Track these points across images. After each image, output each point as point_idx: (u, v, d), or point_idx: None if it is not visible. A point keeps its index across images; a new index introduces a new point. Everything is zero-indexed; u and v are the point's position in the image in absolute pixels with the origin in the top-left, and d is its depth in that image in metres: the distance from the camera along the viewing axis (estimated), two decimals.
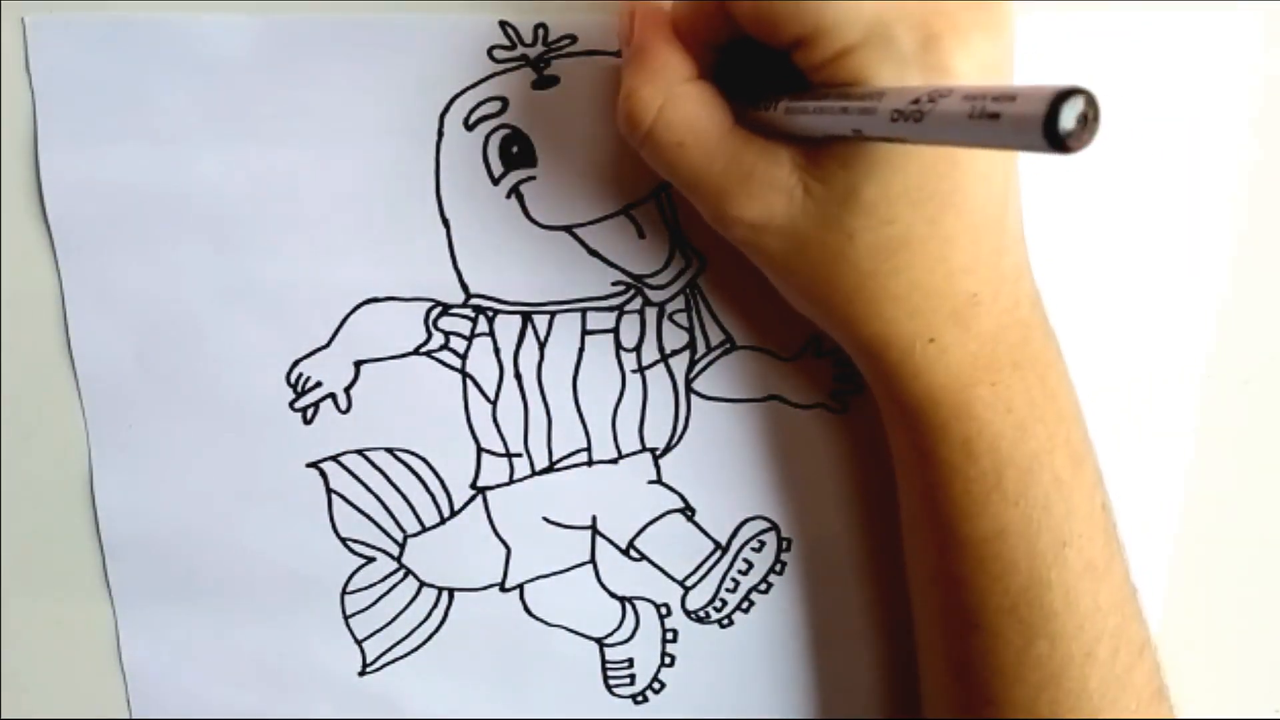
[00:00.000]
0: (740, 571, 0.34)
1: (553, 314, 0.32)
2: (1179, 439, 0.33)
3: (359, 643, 0.36)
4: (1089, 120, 0.16)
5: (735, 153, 0.25)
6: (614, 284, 0.31)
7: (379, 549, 0.35)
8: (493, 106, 0.30)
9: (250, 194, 0.30)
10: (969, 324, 0.26)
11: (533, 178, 0.30)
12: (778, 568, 0.34)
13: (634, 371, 0.32)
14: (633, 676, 0.36)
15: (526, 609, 0.35)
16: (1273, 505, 0.35)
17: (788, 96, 0.24)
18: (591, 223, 0.31)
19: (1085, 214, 0.31)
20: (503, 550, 0.34)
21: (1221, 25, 0.29)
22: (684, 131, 0.25)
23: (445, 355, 0.32)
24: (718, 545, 0.34)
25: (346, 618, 0.35)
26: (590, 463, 0.33)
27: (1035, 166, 0.30)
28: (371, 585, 0.35)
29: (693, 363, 0.32)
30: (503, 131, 0.30)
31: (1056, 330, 0.31)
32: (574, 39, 0.29)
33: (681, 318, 0.32)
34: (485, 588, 0.35)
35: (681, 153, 0.25)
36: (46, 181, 0.30)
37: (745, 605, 0.35)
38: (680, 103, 0.25)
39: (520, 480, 0.34)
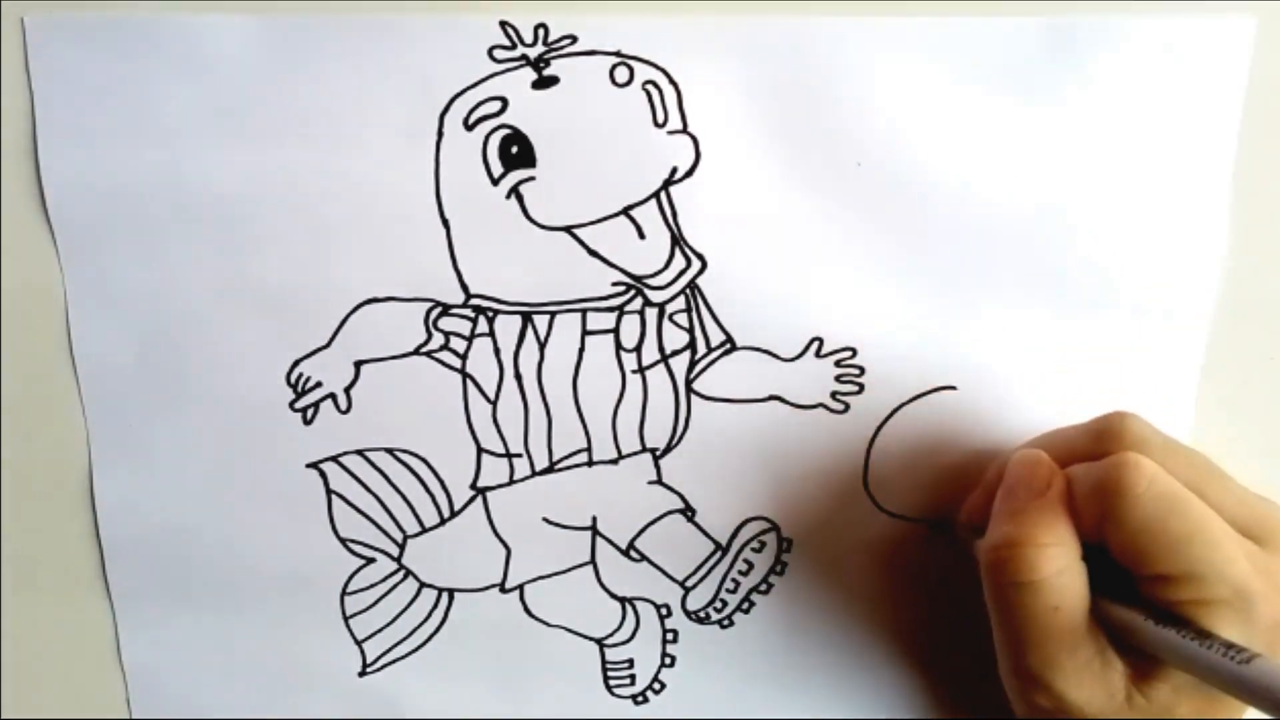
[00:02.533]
0: (740, 572, 0.34)
1: (553, 314, 0.32)
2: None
3: (359, 643, 0.36)
4: None
5: (1086, 638, 0.26)
6: (614, 284, 0.31)
7: (379, 549, 0.35)
8: (493, 106, 0.30)
9: (250, 194, 0.30)
10: None
11: (533, 178, 0.30)
12: (778, 568, 0.34)
13: (634, 372, 0.32)
14: (633, 677, 0.36)
15: (526, 609, 0.35)
16: None
17: (1151, 614, 0.25)
18: (591, 223, 0.31)
19: (1085, 214, 0.31)
20: (503, 551, 0.34)
21: (1217, 30, 0.29)
22: (1067, 599, 0.26)
23: (445, 355, 0.32)
24: (718, 545, 0.34)
25: (346, 618, 0.35)
26: (590, 463, 0.33)
27: (1035, 167, 0.30)
28: (371, 586, 0.35)
29: (693, 363, 0.32)
30: (503, 131, 0.30)
31: (1053, 341, 0.31)
32: (574, 39, 0.29)
33: (681, 318, 0.32)
34: (485, 588, 0.35)
35: (1053, 617, 0.26)
36: (47, 181, 0.30)
37: (745, 606, 0.35)
38: (1074, 576, 0.26)
39: (520, 481, 0.34)
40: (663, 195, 0.30)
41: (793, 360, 0.32)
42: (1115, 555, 0.26)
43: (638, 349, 0.32)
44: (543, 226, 0.31)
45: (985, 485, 0.31)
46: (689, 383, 0.32)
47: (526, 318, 0.32)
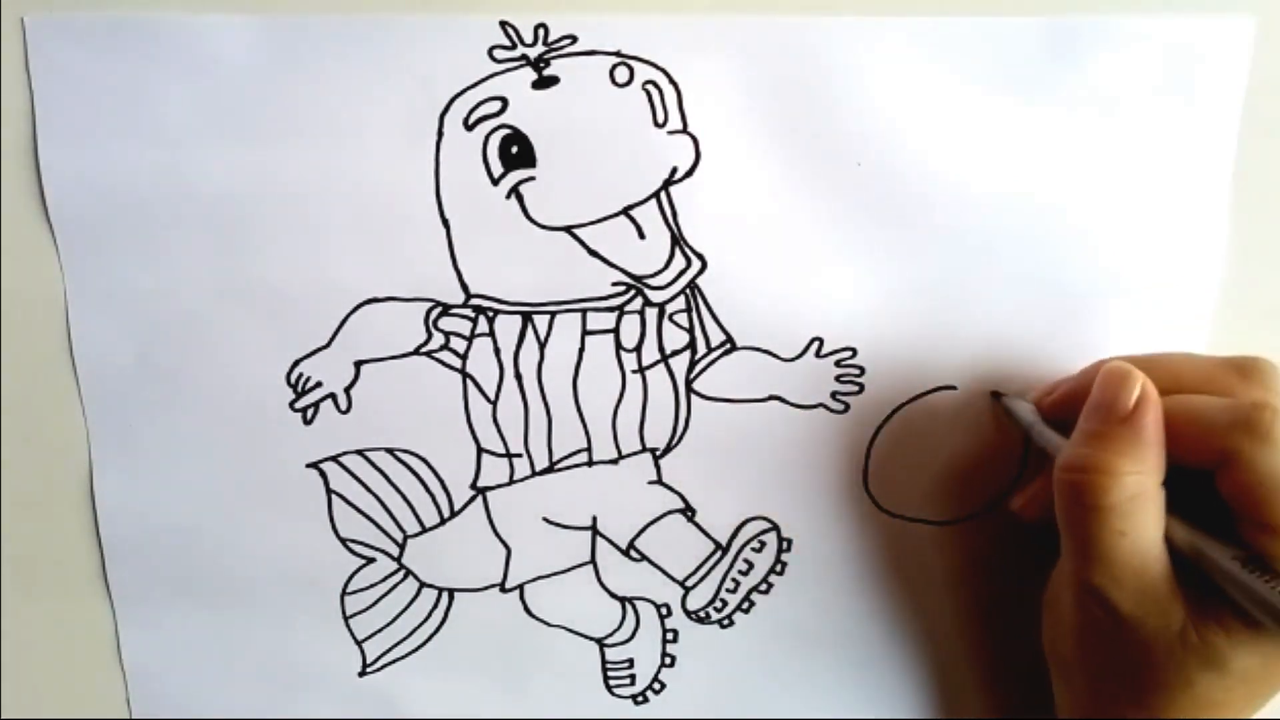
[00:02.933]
0: (740, 572, 0.34)
1: (553, 314, 0.32)
2: None
3: (359, 643, 0.36)
4: None
5: (1150, 564, 0.26)
6: (614, 284, 0.31)
7: (379, 549, 0.35)
8: (493, 106, 0.30)
9: (250, 194, 0.30)
10: None
11: (533, 178, 0.30)
12: (778, 568, 0.34)
13: (634, 372, 0.32)
14: (633, 677, 0.36)
15: (527, 609, 0.35)
16: None
17: (1237, 553, 0.25)
18: (591, 223, 0.31)
19: (1085, 214, 0.31)
20: (503, 550, 0.34)
21: (1217, 30, 0.29)
22: (1136, 525, 0.26)
23: (445, 355, 0.32)
24: (718, 545, 0.34)
25: (346, 618, 0.35)
26: (590, 463, 0.33)
27: (1035, 166, 0.30)
28: (371, 586, 0.35)
29: (693, 363, 0.32)
30: (503, 131, 0.30)
31: (1053, 342, 0.31)
32: (574, 39, 0.29)
33: (681, 318, 0.32)
34: (485, 588, 0.35)
35: (1118, 540, 0.26)
36: (47, 181, 0.30)
37: (745, 605, 0.35)
38: (1149, 502, 0.26)
39: (520, 480, 0.34)
40: (663, 195, 0.30)
41: (793, 360, 0.32)
42: (1224, 492, 0.25)
43: (638, 349, 0.32)
44: (543, 226, 0.31)
45: (1076, 380, 0.30)
46: (689, 383, 0.32)
47: (526, 318, 0.32)
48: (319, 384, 0.32)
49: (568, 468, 0.33)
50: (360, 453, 0.33)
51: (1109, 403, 0.27)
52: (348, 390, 0.32)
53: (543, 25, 0.29)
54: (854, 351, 0.32)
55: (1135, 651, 0.27)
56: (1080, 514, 0.26)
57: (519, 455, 0.33)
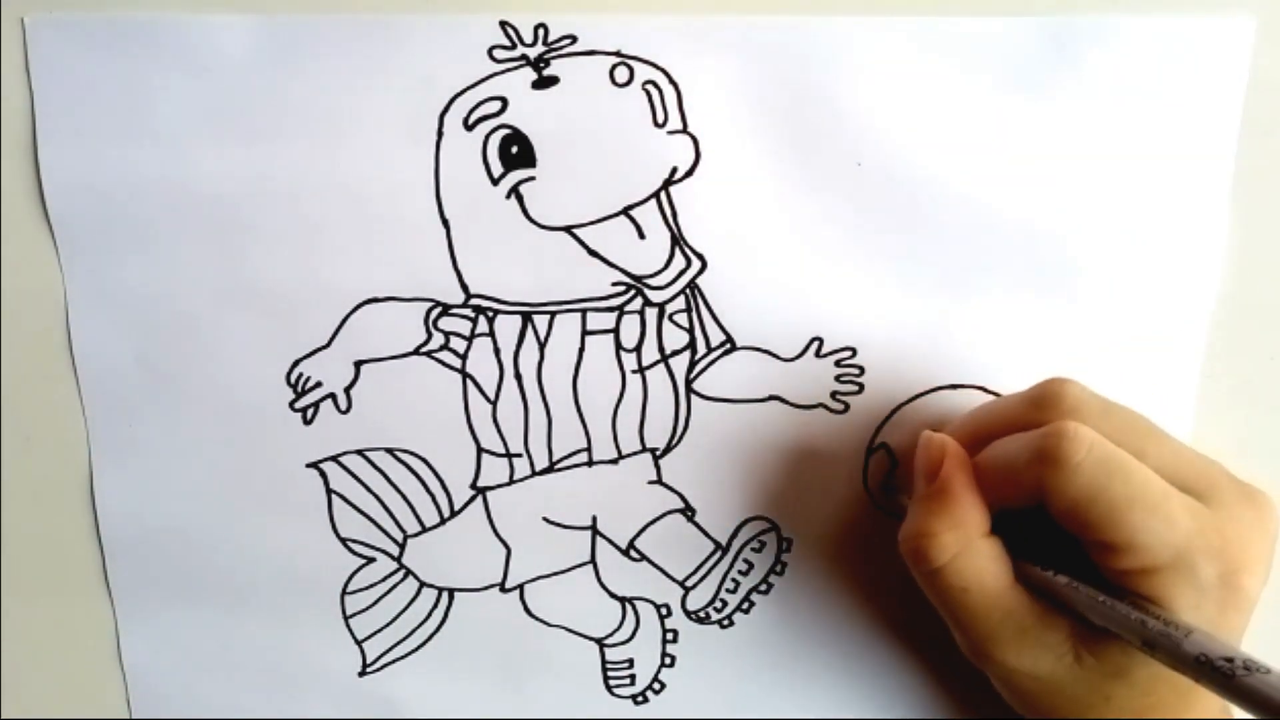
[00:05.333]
0: (740, 572, 0.34)
1: (553, 314, 0.32)
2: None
3: (359, 643, 0.36)
4: None
5: (1013, 609, 0.26)
6: (614, 284, 0.31)
7: (379, 549, 0.35)
8: (493, 106, 0.30)
9: (250, 194, 0.30)
10: None
11: (533, 178, 0.30)
12: (778, 568, 0.34)
13: (634, 372, 0.32)
14: (633, 677, 0.36)
15: (526, 609, 0.35)
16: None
17: (1080, 582, 0.26)
18: (591, 223, 0.31)
19: (1084, 214, 0.31)
20: (503, 550, 0.34)
21: (1217, 30, 0.29)
22: (972, 580, 0.26)
23: (445, 355, 0.32)
24: (718, 545, 0.34)
25: (346, 618, 0.35)
26: (590, 463, 0.33)
27: (1035, 166, 0.30)
28: (371, 585, 0.35)
29: (693, 363, 0.32)
30: (502, 131, 0.30)
31: (1053, 342, 0.31)
32: (574, 39, 0.29)
33: (681, 318, 0.32)
34: (485, 588, 0.35)
35: (964, 597, 0.27)
36: (47, 181, 0.30)
37: (745, 606, 0.35)
38: (973, 555, 0.26)
39: (520, 480, 0.34)
40: (663, 195, 0.30)
41: (793, 360, 0.32)
42: (1059, 522, 0.26)
43: (638, 349, 0.32)
44: (543, 226, 0.31)
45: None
46: (689, 383, 0.32)
47: (526, 318, 0.32)
48: (319, 384, 0.32)
49: (568, 468, 0.33)
50: (360, 453, 0.33)
51: (920, 470, 0.28)
52: (348, 390, 0.32)
53: (543, 25, 0.29)
54: (854, 351, 0.32)
55: (1045, 690, 0.27)
56: (923, 580, 0.28)
57: (519, 455, 0.33)
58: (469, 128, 0.30)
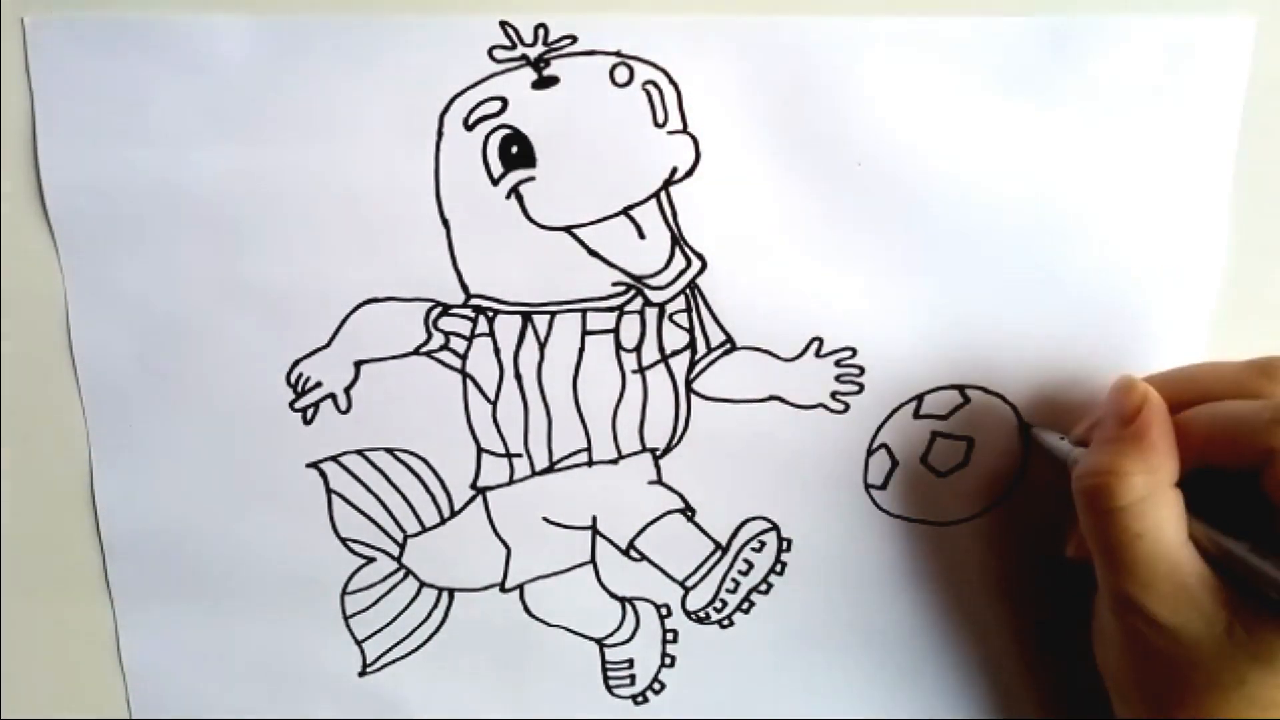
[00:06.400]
0: (740, 572, 0.34)
1: (553, 314, 0.32)
2: None
3: (359, 643, 0.36)
4: None
5: (1181, 563, 0.26)
6: (614, 284, 0.31)
7: (379, 549, 0.35)
8: (493, 106, 0.30)
9: (250, 194, 0.30)
10: None
11: (533, 178, 0.30)
12: (778, 568, 0.34)
13: (634, 372, 0.32)
14: (633, 677, 0.36)
15: (526, 609, 0.35)
16: None
17: (1255, 546, 0.25)
18: (591, 223, 0.31)
19: (1085, 214, 0.31)
20: (503, 550, 0.34)
21: (1217, 30, 0.29)
22: (1150, 526, 0.26)
23: (445, 355, 0.32)
24: (718, 545, 0.34)
25: (346, 618, 0.35)
26: (590, 463, 0.33)
27: (1036, 166, 0.30)
28: (371, 585, 0.35)
29: (693, 363, 0.32)
30: (502, 131, 0.30)
31: (1053, 341, 0.31)
32: (574, 39, 0.29)
33: (681, 318, 0.32)
34: (485, 588, 0.35)
35: (1137, 543, 0.26)
36: (46, 181, 0.30)
37: (745, 605, 0.35)
38: (1160, 502, 0.26)
39: (520, 480, 0.34)
40: (663, 195, 0.30)
41: (793, 360, 0.32)
42: (1269, 491, 0.25)
43: (638, 349, 0.32)
44: (543, 226, 0.31)
45: (1103, 407, 0.30)
46: (689, 383, 0.32)
47: (526, 318, 0.32)
48: (319, 384, 0.32)
49: (568, 468, 0.33)
50: (360, 453, 0.33)
51: (1114, 412, 0.28)
52: (348, 390, 0.32)
53: (543, 25, 0.29)
54: (854, 351, 0.32)
55: (1182, 656, 0.27)
56: (1095, 519, 0.27)
57: (519, 455, 0.33)
58: (469, 128, 0.30)
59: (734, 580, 0.34)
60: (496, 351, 0.32)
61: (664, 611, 0.35)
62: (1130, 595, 0.27)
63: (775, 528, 0.34)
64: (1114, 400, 0.28)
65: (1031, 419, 0.32)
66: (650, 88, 0.29)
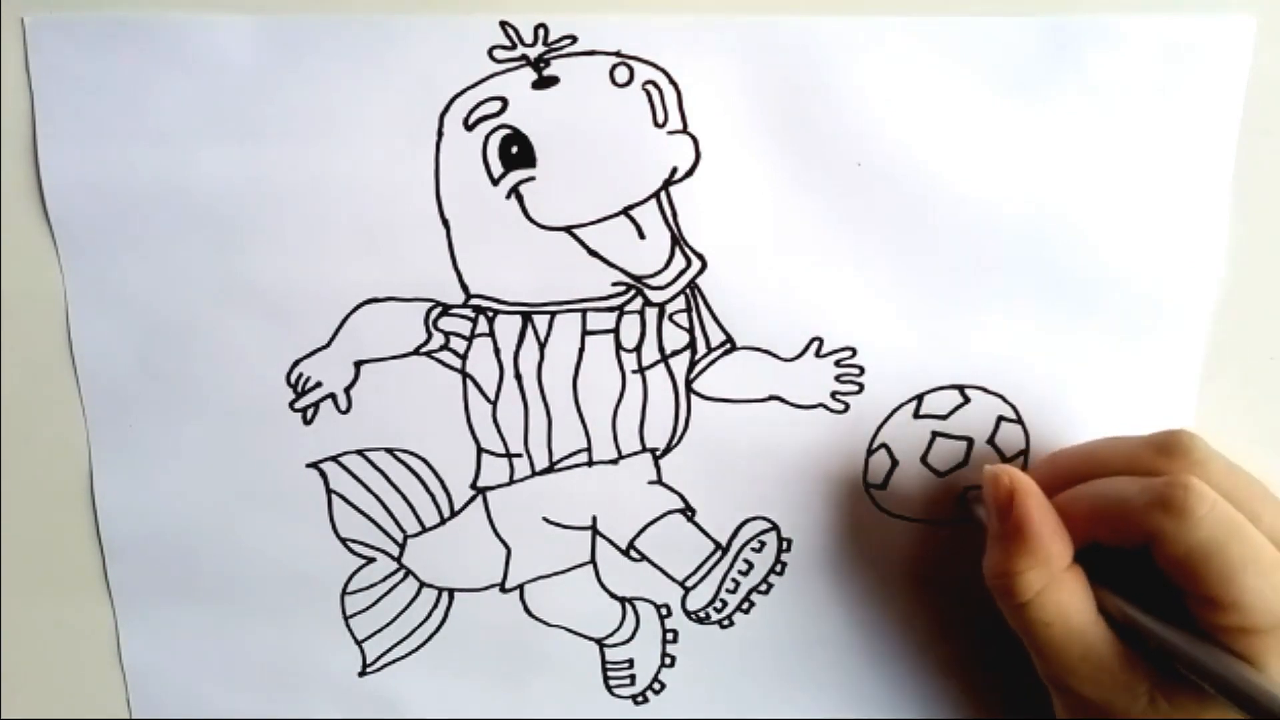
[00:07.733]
0: (740, 572, 0.34)
1: (553, 314, 0.32)
2: None
3: (359, 643, 0.36)
4: None
5: (1096, 644, 0.27)
6: (614, 284, 0.31)
7: (379, 549, 0.35)
8: (493, 106, 0.30)
9: (250, 194, 0.30)
10: None
11: (533, 178, 0.30)
12: (778, 568, 0.34)
13: (634, 372, 0.32)
14: (633, 677, 0.36)
15: (526, 609, 0.35)
16: None
17: (1172, 626, 0.26)
18: (591, 223, 0.31)
19: (1085, 214, 0.31)
20: (503, 550, 0.34)
21: (1217, 30, 0.29)
22: (1055, 615, 0.27)
23: (445, 355, 0.32)
24: (718, 545, 0.34)
25: (346, 618, 0.35)
26: (590, 463, 0.33)
27: (1035, 166, 0.30)
28: (371, 585, 0.35)
29: (693, 363, 0.32)
30: (503, 131, 0.30)
31: (1053, 341, 0.31)
32: (574, 39, 0.29)
33: (681, 318, 0.32)
34: (485, 588, 0.35)
35: (1048, 631, 0.27)
36: (46, 181, 0.30)
37: (745, 606, 0.35)
38: (1058, 589, 0.27)
39: (520, 480, 0.34)
40: (663, 195, 0.30)
41: (793, 360, 0.32)
42: (1163, 569, 0.26)
43: (638, 349, 0.32)
44: (543, 226, 0.31)
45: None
46: (689, 383, 0.32)
47: (526, 318, 0.32)
48: (319, 384, 0.32)
49: (568, 468, 0.33)
50: (360, 453, 0.33)
51: (989, 507, 0.28)
52: (348, 390, 0.32)
53: (543, 25, 0.29)
54: (854, 351, 0.32)
55: None
56: (1008, 613, 0.28)
57: (519, 455, 0.33)
58: (469, 128, 0.30)
59: (734, 580, 0.34)
60: (496, 351, 0.32)
61: (664, 611, 0.35)
62: (1054, 677, 0.28)
63: (775, 528, 0.34)
64: (986, 492, 0.29)
65: (1031, 419, 0.32)
66: (650, 88, 0.29)
